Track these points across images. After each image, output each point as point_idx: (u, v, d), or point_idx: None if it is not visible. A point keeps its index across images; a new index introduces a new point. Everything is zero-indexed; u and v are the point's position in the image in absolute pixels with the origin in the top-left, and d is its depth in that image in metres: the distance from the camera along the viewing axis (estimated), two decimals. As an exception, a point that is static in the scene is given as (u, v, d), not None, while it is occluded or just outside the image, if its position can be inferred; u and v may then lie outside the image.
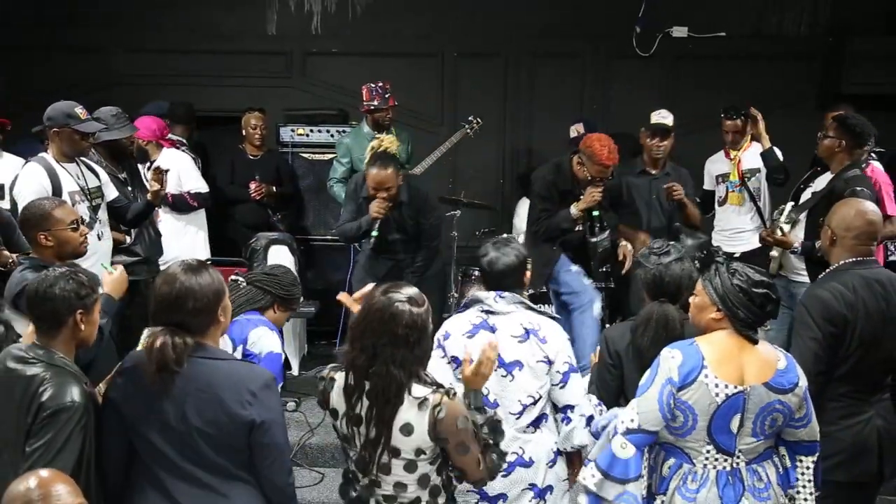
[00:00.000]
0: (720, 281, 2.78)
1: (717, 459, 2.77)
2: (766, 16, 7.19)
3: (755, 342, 2.77)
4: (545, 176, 5.13)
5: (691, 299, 2.93)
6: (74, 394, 2.53)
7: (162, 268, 4.98)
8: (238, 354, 3.32)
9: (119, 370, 2.63)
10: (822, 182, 4.74)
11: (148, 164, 5.70)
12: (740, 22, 7.20)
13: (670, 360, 2.74)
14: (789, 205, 4.84)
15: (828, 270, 3.38)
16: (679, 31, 7.18)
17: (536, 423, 3.21)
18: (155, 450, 2.51)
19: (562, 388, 3.21)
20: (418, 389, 2.55)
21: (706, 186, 5.90)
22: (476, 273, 5.79)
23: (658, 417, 2.72)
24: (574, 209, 4.99)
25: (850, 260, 3.29)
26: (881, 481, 3.41)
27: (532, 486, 3.19)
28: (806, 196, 4.81)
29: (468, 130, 6.27)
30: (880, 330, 3.21)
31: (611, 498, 2.74)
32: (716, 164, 5.84)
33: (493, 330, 3.17)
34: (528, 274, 3.37)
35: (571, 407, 3.20)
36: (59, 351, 2.66)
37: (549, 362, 3.17)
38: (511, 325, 3.18)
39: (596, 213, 5.00)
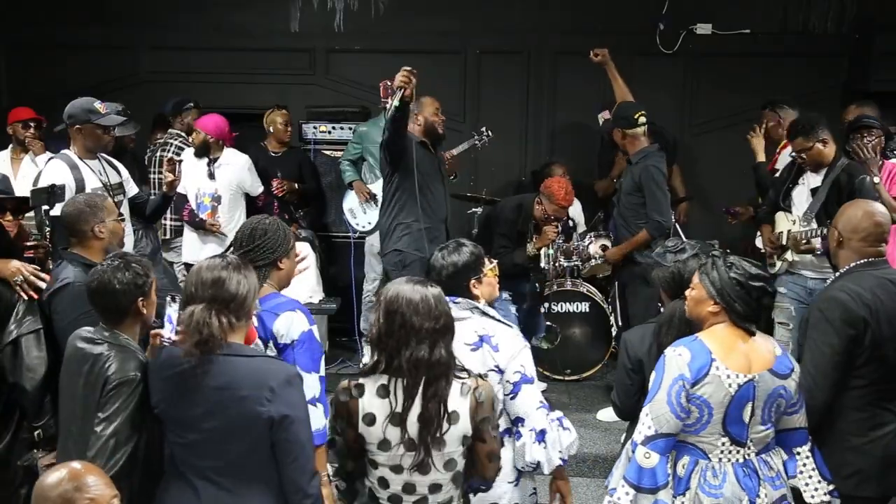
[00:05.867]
0: (717, 274, 2.78)
1: (731, 452, 2.78)
2: (792, 13, 7.11)
3: (753, 334, 2.79)
4: (508, 217, 5.65)
5: (688, 292, 2.91)
6: (136, 368, 2.68)
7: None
8: (272, 353, 2.98)
9: (153, 363, 2.68)
10: (812, 178, 4.71)
11: (208, 160, 5.91)
12: (765, 19, 7.13)
13: (677, 357, 2.74)
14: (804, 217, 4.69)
15: (838, 273, 3.30)
16: (703, 29, 7.12)
17: None
18: (180, 445, 2.55)
19: (512, 398, 2.99)
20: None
21: None
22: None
23: (672, 419, 2.72)
24: (531, 248, 5.58)
25: (861, 262, 3.22)
26: None
27: None
28: (802, 194, 4.75)
29: (477, 142, 6.22)
30: None
31: None
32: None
33: None
34: (489, 280, 3.20)
35: (522, 420, 2.98)
36: (124, 333, 2.82)
37: (501, 371, 2.98)
38: (465, 331, 2.95)
39: (551, 251, 5.68)
